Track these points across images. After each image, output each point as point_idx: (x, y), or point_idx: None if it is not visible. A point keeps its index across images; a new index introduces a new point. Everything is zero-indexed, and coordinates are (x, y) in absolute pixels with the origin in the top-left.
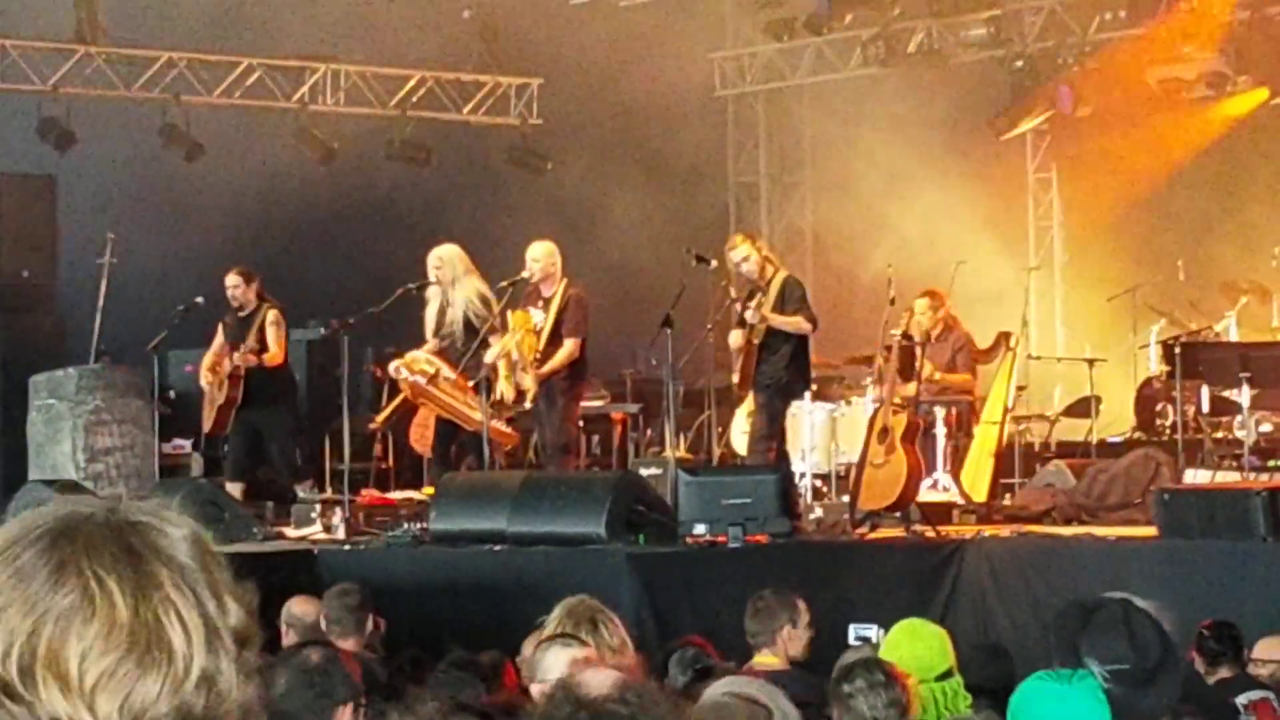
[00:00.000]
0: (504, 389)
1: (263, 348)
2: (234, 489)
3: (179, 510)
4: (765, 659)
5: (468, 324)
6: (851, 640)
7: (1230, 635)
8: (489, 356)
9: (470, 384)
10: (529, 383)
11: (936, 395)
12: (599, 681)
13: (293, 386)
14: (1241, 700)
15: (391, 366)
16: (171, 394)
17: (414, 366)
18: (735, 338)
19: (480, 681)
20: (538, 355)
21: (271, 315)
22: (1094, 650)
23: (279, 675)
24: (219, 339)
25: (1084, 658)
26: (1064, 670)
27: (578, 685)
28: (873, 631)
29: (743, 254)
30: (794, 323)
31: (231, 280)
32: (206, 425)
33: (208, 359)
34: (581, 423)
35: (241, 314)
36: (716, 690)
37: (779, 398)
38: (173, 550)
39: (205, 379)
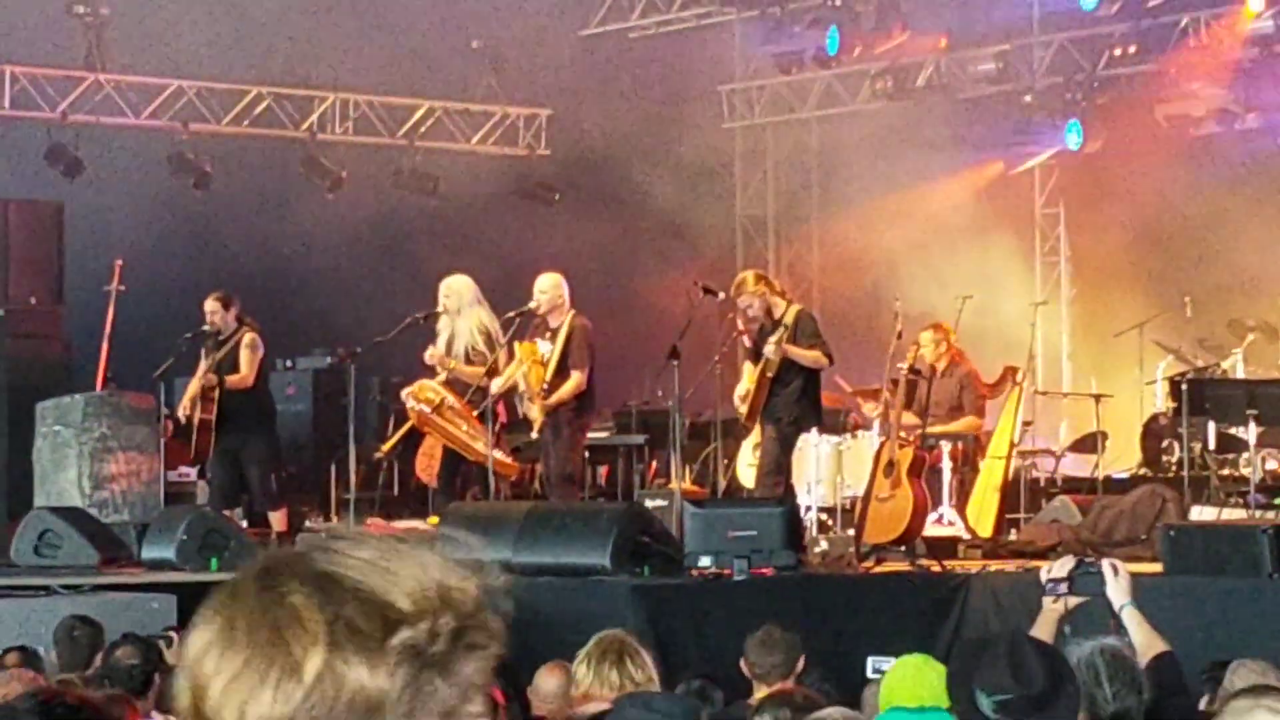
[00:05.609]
0: (528, 408)
1: (233, 369)
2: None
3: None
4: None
5: (469, 356)
6: (870, 673)
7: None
8: (494, 388)
9: (475, 413)
10: (535, 413)
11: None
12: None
13: (270, 412)
14: None
15: (404, 393)
16: (178, 421)
17: (420, 395)
18: (748, 372)
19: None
20: (545, 386)
21: (247, 338)
22: (981, 682)
23: None
24: (202, 365)
25: (976, 691)
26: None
27: None
28: (891, 665)
29: (750, 300)
30: (813, 356)
31: (209, 305)
32: (190, 451)
33: (192, 386)
34: (587, 454)
35: (220, 338)
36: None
37: (790, 431)
38: (325, 563)
39: (183, 411)
